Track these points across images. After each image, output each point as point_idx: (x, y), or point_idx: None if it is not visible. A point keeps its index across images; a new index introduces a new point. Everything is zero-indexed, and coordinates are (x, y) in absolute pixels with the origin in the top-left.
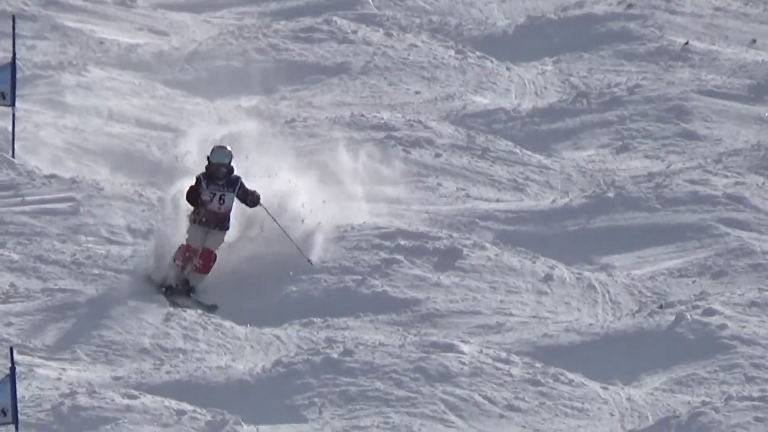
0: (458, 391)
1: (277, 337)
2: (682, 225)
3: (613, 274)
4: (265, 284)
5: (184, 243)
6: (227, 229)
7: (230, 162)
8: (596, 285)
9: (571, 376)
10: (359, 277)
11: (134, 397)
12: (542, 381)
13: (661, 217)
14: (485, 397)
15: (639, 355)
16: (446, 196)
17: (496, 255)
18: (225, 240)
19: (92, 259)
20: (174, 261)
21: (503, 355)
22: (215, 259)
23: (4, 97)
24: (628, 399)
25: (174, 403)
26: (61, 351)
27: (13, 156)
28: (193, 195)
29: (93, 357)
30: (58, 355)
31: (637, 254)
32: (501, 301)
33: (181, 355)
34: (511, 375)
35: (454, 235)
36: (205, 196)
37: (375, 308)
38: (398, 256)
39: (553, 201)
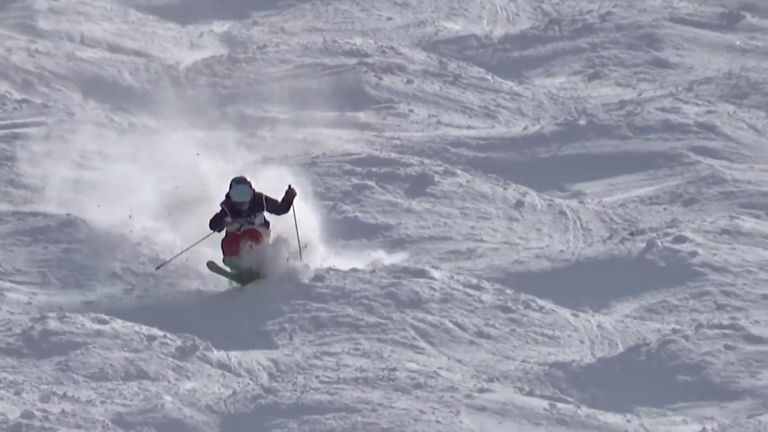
0: (429, 317)
1: None
2: (654, 153)
3: (584, 201)
4: None
5: (225, 236)
6: (267, 225)
7: (251, 197)
8: (567, 212)
9: (541, 302)
10: (331, 203)
11: (105, 321)
12: (513, 308)
13: (632, 144)
14: (456, 324)
15: (609, 282)
16: (418, 123)
17: (468, 181)
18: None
19: (64, 183)
20: (225, 256)
21: (474, 281)
22: (262, 236)
23: None
24: (599, 326)
25: (145, 329)
26: (32, 275)
27: None
28: (217, 223)
29: (63, 281)
30: (28, 279)
31: (608, 181)
32: (472, 228)
33: (152, 280)
34: (481, 301)
35: (426, 161)
36: (232, 228)
37: (346, 234)
38: (370, 182)
39: (525, 128)
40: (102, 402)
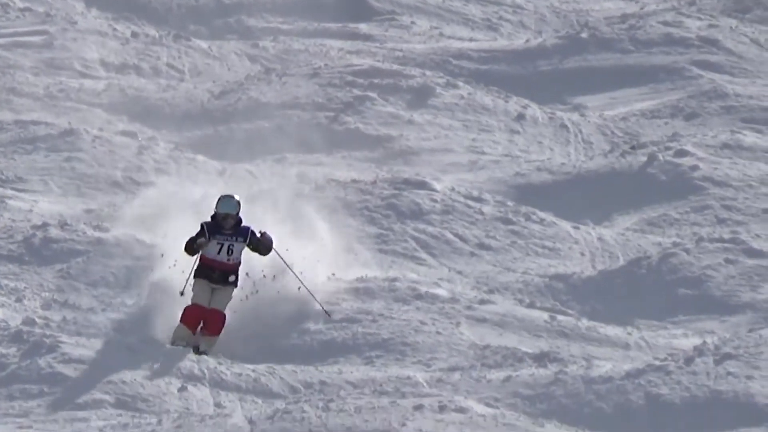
0: (429, 229)
1: (250, 172)
2: (655, 66)
3: (585, 114)
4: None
5: (190, 303)
6: (235, 285)
7: (238, 213)
8: (569, 125)
9: (542, 215)
10: (332, 114)
11: (106, 230)
12: (513, 220)
13: (634, 58)
14: (456, 235)
15: (610, 195)
16: (420, 35)
17: (469, 94)
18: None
19: (65, 92)
20: (180, 322)
21: (475, 193)
22: (224, 320)
23: None
24: (599, 239)
25: (146, 236)
26: (33, 183)
27: None
28: (190, 244)
29: (65, 190)
30: (30, 187)
31: (609, 95)
32: (473, 140)
33: (153, 189)
34: (482, 213)
35: (428, 73)
36: (211, 249)
37: (348, 145)
38: (371, 94)
39: (527, 41)
40: (103, 310)
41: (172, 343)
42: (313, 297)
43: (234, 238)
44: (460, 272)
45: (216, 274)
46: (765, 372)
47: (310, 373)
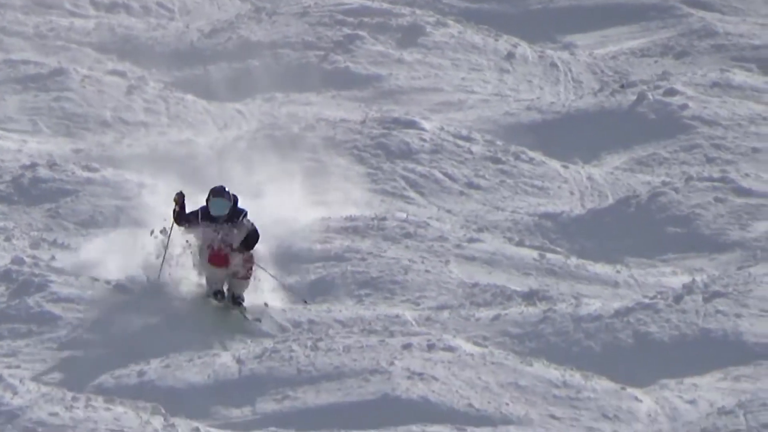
0: (419, 168)
1: (239, 112)
2: (646, 5)
3: (575, 53)
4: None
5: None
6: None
7: (229, 210)
8: (559, 64)
9: (531, 154)
10: (322, 53)
11: (95, 170)
12: (503, 159)
13: None
14: (445, 174)
15: (600, 134)
16: None
17: (459, 32)
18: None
19: (55, 31)
20: (209, 263)
21: (464, 132)
22: (253, 260)
23: None
24: (588, 178)
25: (135, 176)
26: (23, 123)
27: None
28: (183, 218)
29: (54, 129)
30: (19, 126)
31: (599, 33)
32: (463, 79)
33: (142, 129)
34: (471, 152)
35: (417, 12)
36: (208, 234)
37: (337, 84)
38: (361, 32)
39: None
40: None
41: (209, 295)
42: (288, 289)
43: (229, 225)
44: (449, 211)
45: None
46: (754, 310)
47: (298, 313)
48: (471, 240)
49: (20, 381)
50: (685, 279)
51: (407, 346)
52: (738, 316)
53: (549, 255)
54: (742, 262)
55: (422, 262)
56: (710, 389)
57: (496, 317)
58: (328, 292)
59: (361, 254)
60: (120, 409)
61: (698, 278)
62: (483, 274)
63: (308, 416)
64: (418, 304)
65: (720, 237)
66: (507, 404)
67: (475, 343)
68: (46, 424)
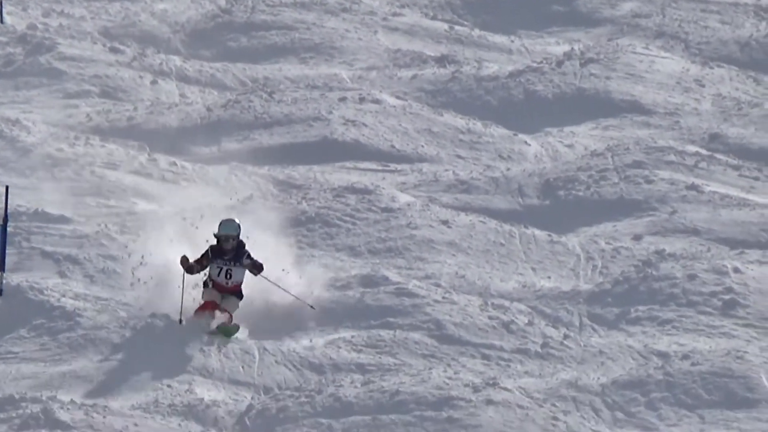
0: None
1: None
2: None
3: None
4: None
5: (201, 301)
6: (241, 297)
7: (239, 234)
8: None
9: None
10: None
11: None
12: None
13: None
14: None
15: None
16: None
17: None
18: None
19: None
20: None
21: None
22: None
23: None
24: None
25: None
26: None
27: None
28: (189, 264)
29: None
30: None
31: None
32: None
33: None
34: None
35: None
36: (213, 270)
37: None
38: None
39: None
40: (92, 18)
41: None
42: (296, 297)
43: (233, 263)
44: None
45: (221, 294)
46: (620, 74)
47: (256, 71)
48: (395, 14)
49: (33, 123)
50: (566, 48)
51: (343, 99)
52: (608, 78)
53: (457, 27)
54: (611, 34)
55: (356, 32)
56: (585, 136)
57: (414, 76)
58: (279, 55)
59: (307, 24)
60: (113, 146)
61: (576, 47)
62: (404, 41)
63: (263, 154)
64: (352, 65)
65: (594, 14)
66: (422, 146)
67: (397, 97)
68: (53, 157)
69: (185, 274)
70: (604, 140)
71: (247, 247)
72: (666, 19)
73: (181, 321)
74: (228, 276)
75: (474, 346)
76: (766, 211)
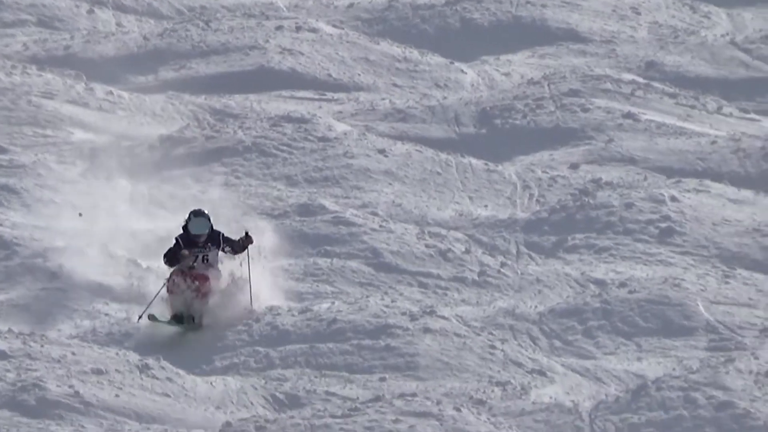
0: None
1: None
2: None
3: None
4: None
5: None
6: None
7: (212, 227)
8: None
9: None
10: None
11: None
12: None
13: None
14: None
15: None
16: None
17: None
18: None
19: None
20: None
21: None
22: (208, 280)
23: None
24: None
25: None
26: None
27: None
28: (172, 257)
29: None
30: None
31: None
32: None
33: None
34: None
35: None
36: (188, 261)
37: None
38: None
39: None
40: None
41: (172, 318)
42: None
43: (208, 248)
44: None
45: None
46: (556, 1)
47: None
48: None
49: None
50: None
51: (279, 28)
52: (544, 6)
53: None
54: None
55: None
56: (521, 65)
57: (351, 5)
58: None
59: None
60: (49, 75)
61: None
62: None
63: (199, 83)
64: None
65: None
66: (359, 74)
67: (334, 26)
68: None
69: (172, 275)
70: (540, 68)
71: (222, 233)
72: None
73: (140, 318)
74: (205, 261)
75: (411, 275)
76: (703, 139)
